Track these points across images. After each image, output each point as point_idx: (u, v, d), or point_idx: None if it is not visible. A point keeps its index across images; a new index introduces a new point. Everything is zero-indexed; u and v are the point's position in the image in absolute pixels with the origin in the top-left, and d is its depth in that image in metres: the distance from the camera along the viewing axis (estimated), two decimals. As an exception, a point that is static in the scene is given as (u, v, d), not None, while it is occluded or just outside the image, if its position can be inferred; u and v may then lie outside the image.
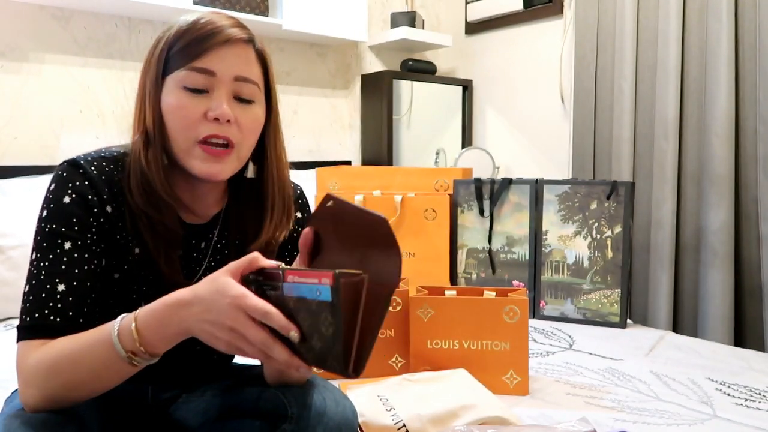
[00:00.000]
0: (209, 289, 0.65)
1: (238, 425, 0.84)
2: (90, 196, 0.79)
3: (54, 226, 0.77)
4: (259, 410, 0.83)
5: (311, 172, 2.44)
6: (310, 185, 2.33)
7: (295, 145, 2.68)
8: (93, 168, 0.80)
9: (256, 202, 0.89)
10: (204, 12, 0.84)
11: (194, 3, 2.13)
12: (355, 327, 0.60)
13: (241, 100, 0.82)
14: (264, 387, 0.85)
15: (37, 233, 0.78)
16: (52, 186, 0.79)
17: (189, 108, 0.79)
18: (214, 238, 0.90)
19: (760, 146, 1.94)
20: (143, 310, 0.69)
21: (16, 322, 0.77)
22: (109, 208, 0.81)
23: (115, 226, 0.81)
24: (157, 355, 0.70)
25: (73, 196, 0.78)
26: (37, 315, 0.74)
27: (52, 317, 0.74)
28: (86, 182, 0.79)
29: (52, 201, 0.78)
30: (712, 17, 2.04)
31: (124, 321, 0.69)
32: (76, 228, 0.78)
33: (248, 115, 0.82)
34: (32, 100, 2.00)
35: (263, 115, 0.86)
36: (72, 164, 0.80)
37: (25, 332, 0.74)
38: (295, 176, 2.44)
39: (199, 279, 0.87)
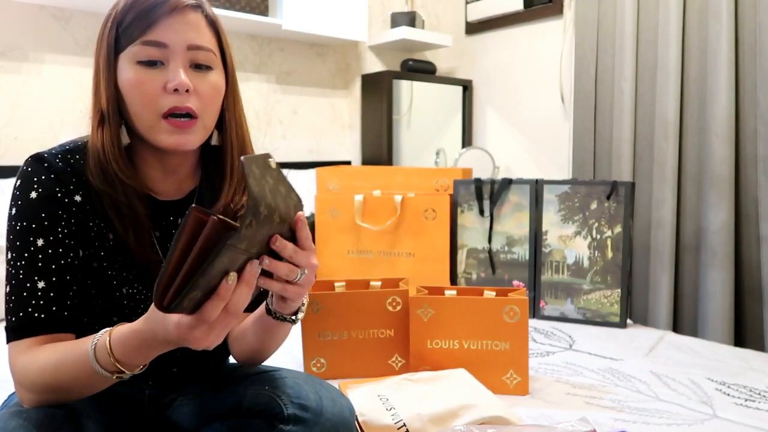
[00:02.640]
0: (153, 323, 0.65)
1: (236, 426, 0.84)
2: (57, 188, 0.79)
3: (24, 223, 0.77)
4: (256, 411, 0.82)
5: (311, 172, 2.44)
6: (310, 185, 2.33)
7: (295, 145, 2.68)
8: (58, 160, 0.80)
9: (222, 170, 0.89)
10: None
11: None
12: (184, 263, 0.58)
13: (197, 67, 0.81)
14: (261, 387, 0.85)
15: (8, 232, 0.78)
16: (18, 182, 0.79)
17: (147, 83, 0.78)
18: None
19: (760, 146, 1.94)
20: (115, 334, 0.68)
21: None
22: (77, 198, 0.81)
23: (86, 214, 0.82)
24: (137, 366, 0.70)
25: (40, 191, 0.78)
26: (21, 314, 0.75)
27: (36, 314, 0.75)
28: (51, 175, 0.79)
29: (19, 198, 0.79)
30: (712, 17, 2.04)
31: (99, 342, 0.69)
32: (46, 223, 0.78)
33: (207, 83, 0.82)
34: (32, 100, 2.00)
35: (222, 81, 0.85)
36: (36, 159, 0.80)
37: (13, 333, 0.76)
38: (296, 176, 2.45)
39: None
